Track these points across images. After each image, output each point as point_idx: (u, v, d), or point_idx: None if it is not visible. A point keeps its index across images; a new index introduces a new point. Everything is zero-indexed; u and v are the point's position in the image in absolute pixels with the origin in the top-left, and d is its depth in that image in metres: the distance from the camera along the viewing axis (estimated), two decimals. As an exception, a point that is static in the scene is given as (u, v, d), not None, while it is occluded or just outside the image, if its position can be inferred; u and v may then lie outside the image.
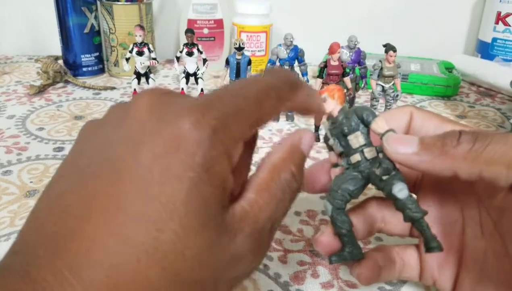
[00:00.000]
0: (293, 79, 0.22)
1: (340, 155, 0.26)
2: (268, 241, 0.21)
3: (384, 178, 0.23)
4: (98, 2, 0.72)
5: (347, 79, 0.52)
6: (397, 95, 0.52)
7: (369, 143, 0.25)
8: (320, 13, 0.88)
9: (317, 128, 0.54)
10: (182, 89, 0.56)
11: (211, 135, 0.17)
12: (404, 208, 0.22)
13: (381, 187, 0.23)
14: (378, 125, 0.24)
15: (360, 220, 0.27)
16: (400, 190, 0.22)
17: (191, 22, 0.75)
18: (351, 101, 0.59)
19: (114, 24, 0.71)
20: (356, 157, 0.25)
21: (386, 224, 0.28)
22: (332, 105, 0.25)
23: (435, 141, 0.22)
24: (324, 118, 0.26)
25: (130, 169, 0.17)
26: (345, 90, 0.53)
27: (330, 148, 0.26)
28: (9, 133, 0.53)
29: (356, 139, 0.25)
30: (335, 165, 0.26)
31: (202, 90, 0.56)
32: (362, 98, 0.68)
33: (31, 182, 0.43)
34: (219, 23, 0.77)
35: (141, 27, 0.53)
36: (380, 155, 0.24)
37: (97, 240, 0.16)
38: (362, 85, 0.58)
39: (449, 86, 0.69)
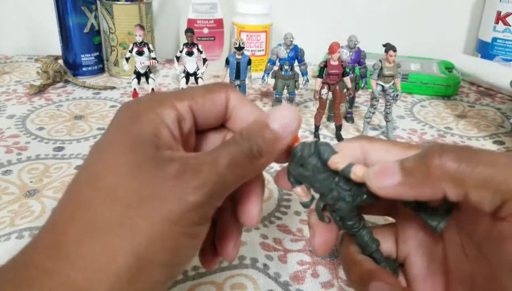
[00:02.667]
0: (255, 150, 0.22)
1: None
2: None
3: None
4: (98, 2, 0.72)
5: (347, 79, 0.52)
6: (397, 95, 0.52)
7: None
8: (320, 13, 0.88)
9: (317, 127, 0.54)
10: (182, 89, 0.56)
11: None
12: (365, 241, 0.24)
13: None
14: (335, 161, 0.23)
15: None
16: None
17: (191, 21, 0.75)
18: (351, 101, 0.59)
19: (114, 24, 0.71)
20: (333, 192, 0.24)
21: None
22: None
23: (417, 165, 0.20)
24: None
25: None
26: (345, 90, 0.53)
27: (297, 183, 0.25)
28: (9, 133, 0.53)
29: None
30: (306, 204, 0.25)
31: (202, 90, 0.56)
32: (362, 98, 0.68)
33: (31, 182, 0.43)
34: (219, 22, 0.77)
35: (141, 27, 0.53)
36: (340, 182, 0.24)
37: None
38: (362, 85, 0.58)
39: (449, 86, 0.69)
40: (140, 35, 0.53)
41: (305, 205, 0.25)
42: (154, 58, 0.55)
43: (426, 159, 0.20)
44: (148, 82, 0.56)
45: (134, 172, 0.20)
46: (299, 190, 0.25)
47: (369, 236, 0.24)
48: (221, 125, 0.26)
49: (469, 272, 0.22)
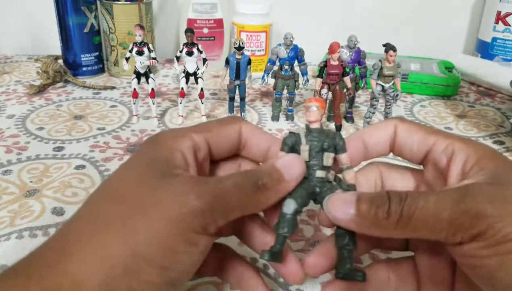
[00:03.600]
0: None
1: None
2: None
3: None
4: (98, 2, 0.72)
5: (347, 79, 0.52)
6: (397, 95, 0.52)
7: (331, 168, 0.27)
8: (320, 13, 0.88)
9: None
10: (182, 89, 0.56)
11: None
12: (345, 235, 0.25)
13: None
14: (345, 159, 0.26)
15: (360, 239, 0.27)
16: None
17: (191, 21, 0.75)
18: (351, 101, 0.59)
19: (114, 24, 0.71)
20: (320, 173, 0.26)
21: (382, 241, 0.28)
22: (317, 116, 0.26)
23: (369, 211, 0.22)
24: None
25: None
26: (345, 90, 0.53)
27: (288, 149, 0.26)
28: (9, 133, 0.53)
29: (328, 159, 0.26)
30: None
31: (202, 90, 0.56)
32: (362, 98, 0.68)
33: (31, 182, 0.43)
34: (219, 22, 0.77)
35: (141, 27, 0.53)
36: (334, 182, 0.27)
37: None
38: (362, 85, 0.58)
39: (449, 86, 0.69)
40: (140, 35, 0.53)
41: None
42: (154, 58, 0.55)
43: (377, 209, 0.22)
44: (148, 82, 0.56)
45: (142, 181, 0.22)
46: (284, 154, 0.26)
47: (345, 231, 0.25)
48: (236, 155, 0.29)
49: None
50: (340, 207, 0.23)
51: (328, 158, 0.26)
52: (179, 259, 0.21)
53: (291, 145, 0.26)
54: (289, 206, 0.25)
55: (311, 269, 0.26)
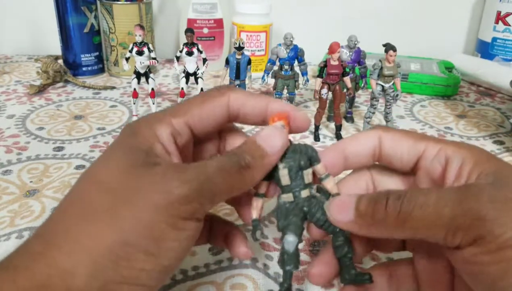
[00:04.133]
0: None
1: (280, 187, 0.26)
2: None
3: None
4: (98, 2, 0.72)
5: (347, 79, 0.52)
6: (397, 95, 0.52)
7: (312, 183, 0.26)
8: (320, 13, 0.88)
9: (317, 127, 0.54)
10: (182, 89, 0.56)
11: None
12: (343, 246, 0.25)
13: (327, 224, 0.25)
14: (322, 168, 0.26)
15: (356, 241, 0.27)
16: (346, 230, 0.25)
17: (191, 21, 0.75)
18: (351, 101, 0.59)
19: (114, 24, 0.71)
20: (305, 193, 0.26)
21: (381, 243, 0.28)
22: (286, 136, 0.25)
23: (368, 210, 0.22)
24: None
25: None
26: (345, 90, 0.53)
27: (267, 177, 0.25)
28: (9, 133, 0.53)
29: (308, 176, 0.26)
30: (261, 195, 0.26)
31: (202, 89, 0.56)
32: (362, 98, 0.68)
33: (31, 182, 0.43)
34: (219, 22, 0.77)
35: (141, 27, 0.53)
36: (317, 194, 0.26)
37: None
38: (362, 85, 0.58)
39: (449, 86, 0.69)
40: (140, 35, 0.53)
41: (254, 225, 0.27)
42: (154, 58, 0.55)
43: (375, 206, 0.22)
44: (148, 82, 0.56)
45: (126, 170, 0.22)
46: (264, 183, 0.26)
47: (343, 241, 0.25)
48: (221, 137, 0.29)
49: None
50: (341, 210, 0.23)
51: (308, 175, 0.26)
52: (169, 246, 0.21)
53: (271, 174, 0.26)
54: (289, 242, 0.25)
55: (317, 279, 0.26)
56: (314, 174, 0.26)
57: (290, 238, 0.25)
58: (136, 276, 0.20)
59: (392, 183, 0.27)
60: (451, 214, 0.21)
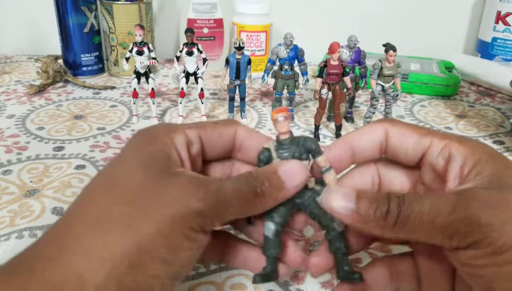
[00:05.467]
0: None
1: None
2: None
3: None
4: (98, 2, 0.72)
5: (347, 79, 0.52)
6: (397, 95, 0.52)
7: (309, 175, 0.26)
8: (320, 13, 0.88)
9: (317, 127, 0.54)
10: (182, 88, 0.56)
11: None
12: (336, 240, 0.26)
13: (320, 216, 0.26)
14: (323, 161, 0.26)
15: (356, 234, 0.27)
16: (339, 224, 0.26)
17: (191, 21, 0.75)
18: (351, 101, 0.59)
19: (114, 24, 0.71)
20: None
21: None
22: (286, 127, 0.26)
23: (368, 209, 0.22)
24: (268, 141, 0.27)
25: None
26: (345, 90, 0.53)
27: (264, 165, 0.26)
28: (9, 133, 0.53)
29: None
30: None
31: (202, 89, 0.56)
32: (362, 98, 0.68)
33: (31, 182, 0.43)
34: (219, 22, 0.77)
35: (141, 27, 0.53)
36: (317, 187, 0.26)
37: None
38: (362, 85, 0.58)
39: (449, 86, 0.69)
40: (140, 35, 0.53)
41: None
42: (154, 58, 0.55)
43: (376, 209, 0.22)
44: (148, 82, 0.56)
45: (145, 181, 0.22)
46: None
47: (335, 236, 0.26)
48: (230, 159, 0.29)
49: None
50: (340, 201, 0.23)
51: None
52: (182, 255, 0.22)
53: (266, 161, 0.26)
54: (269, 228, 0.26)
55: (315, 269, 0.27)
56: (314, 167, 0.27)
57: (270, 226, 0.26)
58: (150, 283, 0.21)
59: (397, 177, 0.28)
60: (445, 223, 0.21)
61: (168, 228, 0.21)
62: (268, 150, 0.26)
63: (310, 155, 0.26)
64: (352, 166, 0.28)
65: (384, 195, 0.23)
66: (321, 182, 0.26)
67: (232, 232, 0.30)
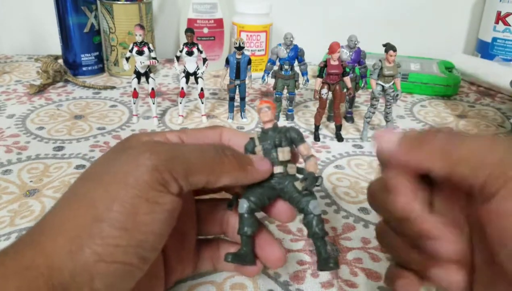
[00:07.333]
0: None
1: None
2: None
3: (304, 193, 0.26)
4: (98, 2, 0.72)
5: (347, 79, 0.52)
6: (397, 95, 0.52)
7: (291, 161, 0.27)
8: (320, 13, 0.88)
9: (317, 127, 0.54)
10: (182, 88, 0.56)
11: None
12: (311, 223, 0.26)
13: (296, 200, 0.26)
14: (304, 149, 0.27)
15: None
16: (315, 207, 0.26)
17: (191, 21, 0.75)
18: (351, 101, 0.59)
19: (114, 24, 0.71)
20: (278, 169, 0.26)
21: None
22: (270, 116, 0.27)
23: (416, 136, 0.23)
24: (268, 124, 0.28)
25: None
26: (345, 90, 0.53)
27: (250, 154, 0.27)
28: (9, 133, 0.53)
29: (283, 154, 0.27)
30: None
31: (202, 89, 0.56)
32: (362, 98, 0.68)
33: (31, 181, 0.43)
34: (219, 22, 0.77)
35: (141, 27, 0.53)
36: (297, 175, 0.27)
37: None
38: (362, 84, 0.58)
39: (449, 86, 0.69)
40: (140, 35, 0.53)
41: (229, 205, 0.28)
42: (154, 58, 0.55)
43: (424, 134, 0.23)
44: (148, 82, 0.56)
45: (109, 162, 0.23)
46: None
47: (312, 218, 0.26)
48: None
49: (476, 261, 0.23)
50: (388, 132, 0.24)
51: (282, 153, 0.27)
52: (142, 220, 0.21)
53: (251, 150, 0.27)
54: (242, 206, 0.26)
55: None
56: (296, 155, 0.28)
57: (243, 204, 0.26)
58: (111, 252, 0.20)
59: None
60: (498, 161, 0.20)
61: (123, 194, 0.21)
62: (253, 139, 0.27)
63: (292, 142, 0.27)
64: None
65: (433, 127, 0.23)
66: (301, 170, 0.27)
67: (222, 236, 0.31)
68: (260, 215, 0.28)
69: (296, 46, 0.55)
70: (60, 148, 0.49)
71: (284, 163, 0.27)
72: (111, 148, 0.26)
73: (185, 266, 0.29)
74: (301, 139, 0.27)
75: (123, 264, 0.20)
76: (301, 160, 0.28)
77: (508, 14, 0.77)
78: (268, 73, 0.57)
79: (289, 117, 0.59)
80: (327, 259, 0.25)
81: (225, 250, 0.29)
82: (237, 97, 0.58)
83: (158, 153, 0.22)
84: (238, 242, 0.27)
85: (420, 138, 0.23)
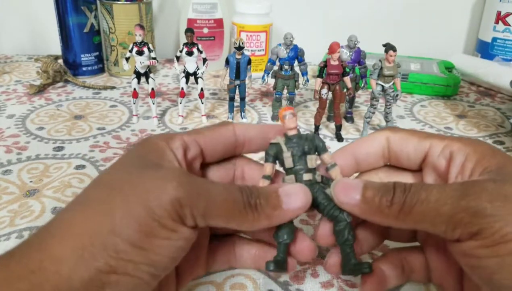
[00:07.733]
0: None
1: (285, 170, 0.27)
2: None
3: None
4: (98, 2, 0.72)
5: (347, 79, 0.52)
6: (397, 95, 0.52)
7: (317, 169, 0.27)
8: (320, 13, 0.88)
9: (317, 127, 0.54)
10: (182, 88, 0.56)
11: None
12: (344, 231, 0.25)
13: (329, 207, 0.26)
14: (328, 157, 0.27)
15: (367, 233, 0.27)
16: (348, 215, 0.25)
17: (191, 21, 0.75)
18: (351, 101, 0.59)
19: (114, 24, 0.71)
20: (308, 176, 0.26)
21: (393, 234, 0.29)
22: (294, 122, 0.27)
23: (374, 198, 0.23)
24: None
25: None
26: (345, 90, 0.53)
27: (272, 159, 0.27)
28: (9, 133, 0.53)
29: (311, 161, 0.27)
30: (267, 177, 0.27)
31: (202, 89, 0.56)
32: (362, 98, 0.68)
33: (31, 182, 0.43)
34: (219, 22, 0.77)
35: (141, 27, 0.53)
36: (321, 184, 0.27)
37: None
38: (362, 85, 0.58)
39: (449, 86, 0.69)
40: (140, 35, 0.53)
41: None
42: (154, 58, 0.55)
43: (381, 197, 0.23)
44: (148, 82, 0.56)
45: (129, 171, 0.23)
46: (270, 165, 0.27)
47: (344, 226, 0.26)
48: (231, 162, 0.29)
49: None
50: (347, 192, 0.24)
51: (311, 160, 0.27)
52: (158, 243, 0.21)
53: (274, 155, 0.27)
54: None
55: (331, 269, 0.27)
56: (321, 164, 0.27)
57: None
58: (123, 266, 0.20)
59: (402, 143, 0.28)
60: (451, 211, 0.21)
61: (143, 214, 0.21)
62: (276, 144, 0.27)
63: (317, 151, 0.27)
64: (356, 174, 0.29)
65: (390, 183, 0.23)
66: (327, 179, 0.27)
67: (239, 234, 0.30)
68: None
69: (296, 46, 0.55)
70: (60, 148, 0.49)
71: (313, 171, 0.27)
72: (127, 153, 0.25)
73: (197, 270, 0.28)
74: (325, 148, 0.27)
75: (134, 278, 0.21)
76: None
77: (508, 14, 0.77)
78: (268, 73, 0.57)
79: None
80: (361, 264, 0.26)
81: (241, 248, 0.29)
82: (237, 97, 0.58)
83: (184, 185, 0.22)
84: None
85: (379, 201, 0.23)
